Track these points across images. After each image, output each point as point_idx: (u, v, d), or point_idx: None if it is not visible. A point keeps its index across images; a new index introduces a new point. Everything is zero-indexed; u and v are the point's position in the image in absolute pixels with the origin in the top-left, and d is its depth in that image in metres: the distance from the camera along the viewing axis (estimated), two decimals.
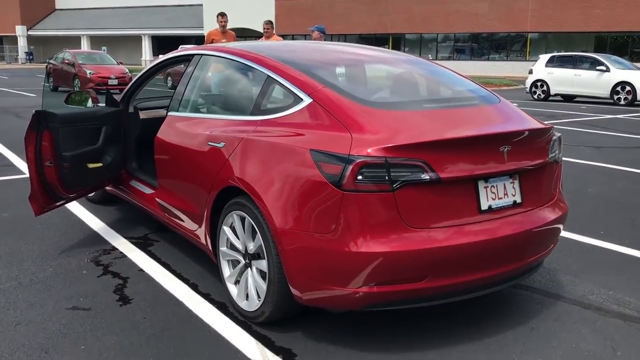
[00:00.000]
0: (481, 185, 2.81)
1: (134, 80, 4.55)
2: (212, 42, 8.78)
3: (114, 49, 47.43)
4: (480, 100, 3.33)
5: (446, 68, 3.88)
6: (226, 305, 3.33)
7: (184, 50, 4.17)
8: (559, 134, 3.33)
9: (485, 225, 2.80)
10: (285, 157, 2.86)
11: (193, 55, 3.94)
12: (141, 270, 3.84)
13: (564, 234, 4.62)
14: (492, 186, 2.85)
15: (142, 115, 4.70)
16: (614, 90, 17.26)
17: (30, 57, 57.91)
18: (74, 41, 53.67)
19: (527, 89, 19.35)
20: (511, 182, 2.94)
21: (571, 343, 2.98)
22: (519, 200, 2.96)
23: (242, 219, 3.10)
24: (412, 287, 2.70)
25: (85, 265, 3.91)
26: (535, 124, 3.16)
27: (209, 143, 3.37)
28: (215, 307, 3.33)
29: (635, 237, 4.66)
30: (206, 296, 3.46)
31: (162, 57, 4.34)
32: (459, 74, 3.78)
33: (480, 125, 3.00)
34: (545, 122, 3.29)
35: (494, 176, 2.85)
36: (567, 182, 6.58)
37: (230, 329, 3.07)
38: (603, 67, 17.48)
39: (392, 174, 2.59)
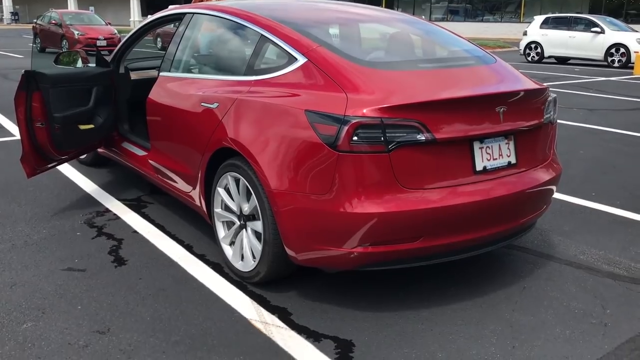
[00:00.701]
0: (476, 146, 2.81)
1: (123, 40, 4.47)
2: (201, 1, 8.60)
3: (102, 9, 46.48)
4: (476, 61, 3.29)
5: (442, 28, 3.83)
6: (221, 266, 3.35)
7: (174, 9, 4.08)
8: (554, 95, 3.32)
9: (479, 186, 2.80)
10: (279, 118, 2.84)
11: (184, 14, 3.87)
12: (135, 231, 3.84)
13: (556, 195, 4.66)
14: (487, 147, 2.85)
15: (133, 75, 4.64)
16: (608, 52, 17.18)
17: (16, 18, 56.71)
18: (61, 1, 52.51)
19: (521, 51, 19.21)
20: (506, 143, 2.93)
21: (562, 302, 3.03)
22: (513, 161, 2.97)
23: (237, 181, 3.09)
24: (406, 247, 2.71)
25: (79, 227, 3.91)
26: (531, 84, 3.14)
27: (202, 104, 3.33)
28: (211, 267, 3.34)
29: (626, 198, 4.71)
30: (201, 257, 3.48)
31: (152, 17, 4.25)
32: (455, 34, 3.74)
33: (476, 86, 2.98)
34: (541, 83, 3.27)
35: (489, 137, 2.84)
36: (559, 144, 6.57)
37: (226, 289, 3.09)
38: (598, 29, 17.35)
39: (387, 134, 2.57)
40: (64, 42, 18.71)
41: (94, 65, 4.52)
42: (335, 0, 4.59)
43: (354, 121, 2.56)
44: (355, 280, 3.19)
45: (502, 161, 2.91)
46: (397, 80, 2.83)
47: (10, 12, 57.16)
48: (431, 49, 3.64)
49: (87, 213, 4.17)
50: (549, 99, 3.19)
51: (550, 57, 18.61)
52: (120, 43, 4.50)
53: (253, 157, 2.88)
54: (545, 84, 3.25)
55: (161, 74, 3.88)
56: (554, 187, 3.27)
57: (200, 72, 3.80)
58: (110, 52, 4.76)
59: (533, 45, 18.75)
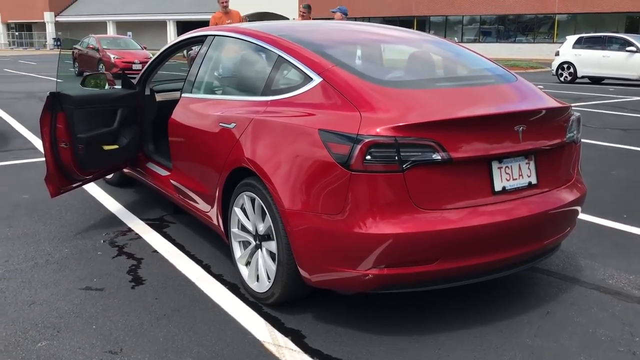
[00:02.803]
0: (495, 165, 2.74)
1: (149, 62, 4.54)
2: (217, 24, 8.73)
3: (139, 34, 47.73)
4: (496, 79, 3.24)
5: (464, 47, 3.79)
6: (238, 287, 3.33)
7: (196, 31, 4.14)
8: (578, 114, 3.23)
9: (498, 207, 2.73)
10: (294, 138, 2.82)
11: (206, 36, 3.91)
12: (155, 251, 3.85)
13: (584, 216, 4.53)
14: (507, 167, 2.78)
15: (159, 97, 4.71)
16: None
17: (58, 43, 58.57)
18: (101, 27, 54.19)
19: (554, 71, 18.94)
20: (526, 163, 2.86)
21: (588, 328, 2.91)
22: (534, 181, 2.88)
23: (252, 200, 3.08)
24: (422, 269, 2.65)
25: (100, 246, 3.94)
26: (552, 102, 3.07)
27: (220, 124, 3.34)
28: (227, 288, 3.32)
29: None
30: (218, 277, 3.46)
31: (175, 40, 4.32)
32: (477, 53, 3.69)
33: (494, 104, 2.92)
34: (564, 102, 3.19)
35: (508, 156, 2.77)
36: (590, 164, 6.47)
37: (240, 310, 3.06)
38: (633, 48, 17.00)
39: (401, 153, 2.53)
40: (101, 65, 19.20)
41: (120, 87, 4.60)
42: (359, 22, 4.59)
43: (367, 140, 2.53)
44: (372, 303, 3.12)
45: (522, 181, 2.83)
46: (413, 99, 2.80)
47: (53, 38, 59.13)
48: (451, 67, 3.59)
49: (110, 232, 4.21)
50: (572, 117, 3.10)
51: (583, 77, 18.30)
52: (146, 66, 4.57)
53: (267, 176, 2.87)
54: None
55: (183, 95, 3.93)
56: (578, 208, 3.17)
57: (219, 92, 3.83)
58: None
59: (566, 66, 18.47)
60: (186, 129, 3.76)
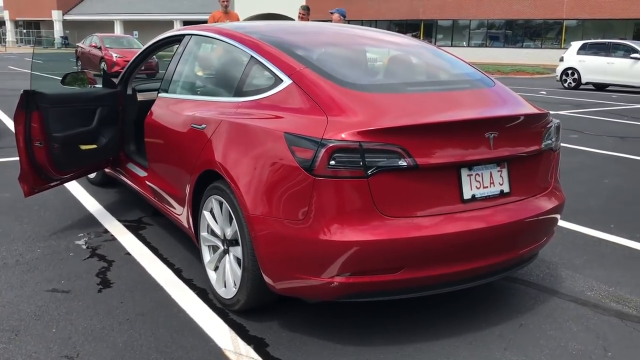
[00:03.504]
0: (464, 173, 2.66)
1: (130, 62, 4.48)
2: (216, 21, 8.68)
3: (146, 34, 47.77)
4: (472, 84, 3.16)
5: (446, 52, 3.71)
6: (206, 292, 3.26)
7: (175, 31, 4.08)
8: (558, 121, 3.15)
9: (467, 215, 2.65)
10: (260, 141, 2.75)
11: (184, 35, 3.85)
12: (128, 253, 3.79)
13: (570, 226, 4.45)
14: (477, 174, 2.70)
15: (140, 97, 4.65)
16: None
17: (66, 42, 58.78)
18: (108, 26, 54.35)
19: (558, 77, 18.81)
20: (498, 171, 2.77)
21: (560, 341, 2.82)
22: (506, 189, 2.80)
23: (220, 204, 3.01)
24: (388, 278, 2.57)
25: (73, 247, 3.88)
26: (528, 109, 2.98)
27: (192, 125, 3.28)
28: (196, 293, 3.26)
29: None
30: (188, 282, 3.39)
31: (155, 39, 4.26)
32: (458, 57, 3.61)
33: (467, 110, 2.84)
34: (542, 108, 3.11)
35: (478, 164, 2.69)
36: (584, 172, 6.38)
37: (205, 316, 2.99)
38: (638, 55, 16.85)
39: (366, 159, 2.46)
40: (103, 64, 19.22)
41: (101, 86, 4.54)
42: (344, 25, 4.51)
43: (331, 144, 2.46)
44: (341, 311, 3.05)
45: (493, 189, 2.75)
46: (383, 104, 2.72)
47: (61, 37, 59.33)
48: (428, 72, 3.51)
49: (85, 233, 4.15)
50: (550, 125, 3.02)
51: (587, 83, 18.15)
52: (127, 65, 4.51)
53: (233, 179, 2.80)
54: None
55: (159, 94, 3.87)
56: (556, 217, 3.08)
57: (193, 93, 3.76)
58: (147, 74, 4.79)
59: (570, 72, 18.34)
60: (160, 130, 3.70)
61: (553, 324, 2.99)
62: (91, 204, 4.81)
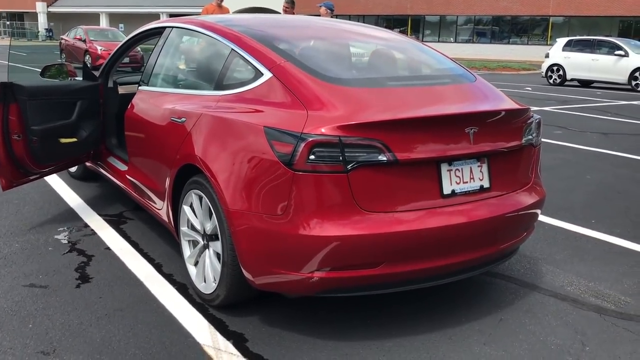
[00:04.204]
0: (444, 168, 2.65)
1: (111, 54, 4.43)
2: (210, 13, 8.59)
3: (132, 27, 47.24)
4: (453, 79, 3.15)
5: (428, 46, 3.70)
6: (187, 287, 3.23)
7: (156, 23, 4.03)
8: (539, 117, 3.15)
9: (447, 210, 2.65)
10: (240, 135, 2.73)
11: (164, 27, 3.81)
12: (108, 248, 3.75)
13: (551, 221, 4.47)
14: (457, 169, 2.69)
15: (121, 90, 4.59)
16: (632, 76, 16.80)
17: (50, 34, 58.10)
18: (93, 18, 53.79)
19: (543, 74, 18.92)
20: (478, 166, 2.77)
21: (539, 336, 2.83)
22: (486, 184, 2.80)
23: (200, 198, 2.99)
24: (367, 273, 2.56)
25: (52, 242, 3.84)
26: (509, 104, 2.99)
27: (172, 118, 3.25)
28: (176, 288, 3.23)
29: (627, 226, 4.48)
30: (168, 277, 3.37)
31: (136, 31, 4.21)
32: (440, 53, 3.61)
33: (447, 105, 2.84)
34: (523, 104, 3.11)
35: (458, 159, 2.69)
36: (566, 168, 6.42)
37: (185, 312, 2.97)
38: (622, 52, 17.00)
39: (346, 154, 2.44)
40: (87, 57, 19.02)
41: (81, 78, 4.48)
42: (329, 19, 4.48)
43: (310, 139, 2.44)
44: (321, 306, 3.04)
45: (473, 185, 2.75)
46: (363, 98, 2.71)
47: (45, 29, 58.63)
48: (410, 66, 3.50)
49: (65, 228, 4.10)
50: (531, 120, 3.02)
51: (572, 80, 18.28)
52: (108, 58, 4.46)
53: (213, 173, 2.78)
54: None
55: (140, 87, 3.83)
56: (536, 212, 3.09)
57: (172, 86, 3.73)
58: (133, 68, 4.73)
59: (555, 68, 18.46)
60: (141, 123, 3.66)
61: (532, 319, 3.00)
62: (72, 198, 4.75)
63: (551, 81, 18.58)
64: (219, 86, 3.10)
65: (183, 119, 3.13)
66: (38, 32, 59.46)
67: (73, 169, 5.16)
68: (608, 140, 8.33)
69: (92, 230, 4.07)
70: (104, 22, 54.23)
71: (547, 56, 18.94)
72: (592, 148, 7.66)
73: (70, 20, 56.77)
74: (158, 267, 3.49)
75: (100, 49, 18.92)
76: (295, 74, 2.79)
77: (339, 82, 2.80)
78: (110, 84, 4.53)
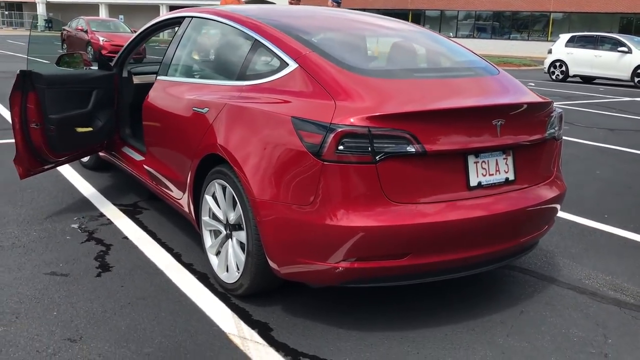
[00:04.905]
0: (471, 160, 2.66)
1: (126, 44, 4.42)
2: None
3: (132, 18, 47.22)
4: (477, 72, 3.16)
5: (448, 39, 3.70)
6: (207, 277, 3.24)
7: (175, 12, 4.02)
8: (561, 110, 3.16)
9: (473, 203, 2.66)
10: (267, 125, 2.73)
11: (184, 17, 3.80)
12: (126, 237, 3.76)
13: (566, 215, 4.49)
14: (483, 161, 2.70)
15: (136, 80, 4.59)
16: (635, 73, 16.79)
17: (49, 25, 57.77)
18: (93, 9, 53.57)
19: (546, 69, 18.91)
20: (504, 158, 2.78)
21: (561, 328, 2.85)
22: (511, 177, 2.81)
23: (224, 188, 2.99)
24: (393, 264, 2.57)
25: (70, 230, 3.84)
26: (533, 97, 2.99)
27: (194, 109, 3.25)
28: (196, 277, 3.24)
29: None
30: (188, 266, 3.37)
31: (153, 20, 4.20)
32: (461, 45, 3.61)
33: (473, 97, 2.84)
34: (545, 97, 3.12)
35: (485, 151, 2.70)
36: (575, 163, 6.43)
37: (208, 301, 2.98)
38: (625, 49, 17.00)
39: (375, 144, 2.45)
40: (89, 48, 18.94)
41: (96, 68, 4.48)
42: (344, 9, 4.48)
43: (339, 130, 2.44)
44: (343, 297, 3.05)
45: (499, 177, 2.76)
46: (390, 89, 2.71)
47: (44, 19, 58.31)
48: (431, 58, 3.50)
49: (81, 217, 4.10)
50: (553, 114, 3.03)
51: (575, 76, 18.29)
52: (123, 47, 4.45)
53: (238, 164, 2.78)
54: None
55: (158, 77, 3.82)
56: (557, 206, 3.10)
57: (194, 76, 3.72)
58: (135, 59, 4.73)
59: (558, 64, 18.44)
60: (160, 113, 3.66)
61: (553, 312, 3.02)
62: (85, 188, 4.75)
63: (554, 77, 18.57)
64: (242, 76, 3.10)
65: (206, 109, 3.13)
66: (37, 22, 59.13)
67: (85, 159, 5.16)
68: (615, 136, 8.35)
69: (108, 219, 4.07)
70: (103, 13, 54.01)
71: (549, 52, 18.92)
72: (600, 144, 7.68)
73: (70, 11, 56.49)
74: (177, 257, 3.49)
75: (102, 40, 18.86)
76: (321, 64, 2.79)
77: (365, 73, 2.81)
78: (125, 74, 4.52)
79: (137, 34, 4.32)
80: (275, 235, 2.66)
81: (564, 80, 18.28)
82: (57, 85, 3.90)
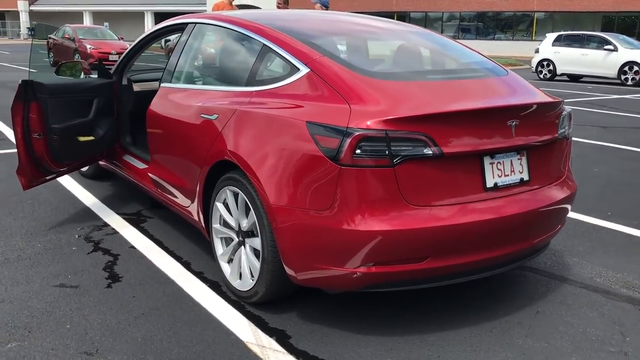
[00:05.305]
0: (487, 161, 2.66)
1: (127, 51, 4.37)
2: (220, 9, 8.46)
3: (117, 25, 46.99)
4: (486, 72, 3.16)
5: (453, 40, 3.70)
6: (219, 285, 3.21)
7: (177, 19, 3.98)
8: (570, 109, 3.17)
9: (490, 204, 2.65)
10: (280, 130, 2.71)
11: (187, 23, 3.77)
12: (132, 247, 3.71)
13: (570, 214, 4.48)
14: (499, 162, 2.70)
15: (136, 87, 4.54)
16: (621, 70, 16.97)
17: (32, 33, 57.27)
18: (77, 17, 53.24)
19: (533, 69, 19.05)
20: (518, 159, 2.78)
21: (578, 327, 2.85)
22: (526, 177, 2.81)
23: (236, 195, 2.96)
24: (412, 267, 2.56)
25: (75, 241, 3.79)
26: (544, 97, 3.00)
27: (202, 115, 3.22)
28: (208, 286, 3.20)
29: None
30: (199, 275, 3.34)
31: (155, 27, 4.16)
32: (466, 46, 3.61)
33: (487, 98, 2.84)
34: (555, 97, 3.12)
35: (500, 152, 2.69)
36: (573, 161, 6.41)
37: (222, 309, 2.95)
38: (611, 47, 17.18)
39: (392, 148, 2.43)
40: (77, 56, 18.78)
41: (96, 76, 4.43)
42: (344, 12, 4.47)
43: (357, 133, 2.43)
44: (359, 301, 3.03)
45: (514, 178, 2.76)
46: (403, 92, 2.70)
47: (27, 28, 57.87)
48: (440, 60, 3.50)
49: (85, 227, 4.05)
50: (564, 113, 3.04)
51: (562, 74, 18.44)
52: (123, 54, 4.40)
53: (252, 170, 2.75)
54: (559, 98, 3.10)
55: (162, 84, 3.78)
56: (568, 206, 3.11)
57: (200, 82, 3.69)
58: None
59: (545, 63, 18.59)
60: (165, 120, 3.62)
61: (568, 311, 3.02)
62: (86, 197, 4.69)
63: (541, 76, 18.71)
64: (251, 82, 3.07)
65: (215, 116, 3.10)
66: (19, 31, 58.64)
67: (85, 168, 5.10)
68: (608, 134, 8.41)
69: (113, 229, 4.02)
70: (87, 21, 53.71)
71: (537, 51, 19.07)
72: (594, 141, 7.73)
73: (53, 19, 56.15)
74: (187, 265, 3.45)
75: (90, 48, 18.71)
76: (333, 68, 2.77)
77: (377, 76, 2.80)
78: (125, 82, 4.47)
79: (138, 40, 4.28)
80: (292, 241, 2.63)
81: (551, 79, 18.43)
82: (58, 95, 3.85)
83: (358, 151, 2.43)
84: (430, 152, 2.47)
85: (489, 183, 2.66)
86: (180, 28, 3.86)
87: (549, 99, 2.98)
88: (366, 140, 2.43)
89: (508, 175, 2.74)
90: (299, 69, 2.84)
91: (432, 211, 2.52)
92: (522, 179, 2.79)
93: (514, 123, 2.68)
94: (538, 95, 3.00)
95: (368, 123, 2.45)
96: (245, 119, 2.91)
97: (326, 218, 2.51)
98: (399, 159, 2.44)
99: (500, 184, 2.70)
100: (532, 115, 2.83)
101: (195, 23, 3.70)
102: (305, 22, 3.55)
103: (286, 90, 2.85)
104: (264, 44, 3.10)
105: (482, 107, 2.67)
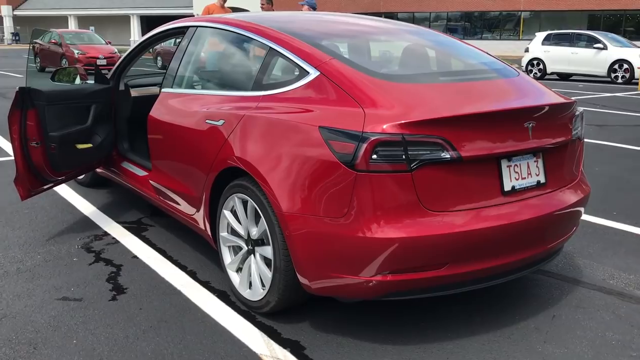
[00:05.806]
0: (504, 164, 2.60)
1: (123, 56, 4.28)
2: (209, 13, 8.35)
3: (102, 29, 46.64)
4: (498, 74, 3.10)
5: (461, 40, 3.65)
6: (227, 294, 3.12)
7: (177, 22, 3.89)
8: (582, 109, 3.13)
9: (509, 208, 2.59)
10: (291, 135, 2.63)
11: (188, 27, 3.68)
12: (135, 257, 3.62)
13: None
14: (516, 165, 2.64)
15: (134, 93, 4.45)
16: (611, 69, 17.05)
17: (17, 38, 56.79)
18: (61, 21, 52.80)
19: (523, 68, 19.08)
20: (535, 161, 2.73)
21: (597, 332, 2.80)
22: (543, 180, 2.76)
23: (244, 202, 2.88)
24: (430, 275, 2.49)
25: (75, 252, 3.68)
26: (558, 98, 2.95)
27: (207, 121, 3.13)
28: (216, 295, 3.12)
29: None
30: (206, 284, 3.25)
31: (153, 31, 4.07)
32: (474, 46, 3.56)
33: (502, 100, 2.78)
34: (568, 97, 3.08)
35: (517, 154, 2.64)
36: None
37: (232, 320, 2.87)
38: (600, 45, 17.26)
39: (409, 152, 2.37)
40: (64, 61, 18.58)
41: (93, 82, 4.33)
42: (344, 13, 4.40)
43: (373, 138, 2.36)
44: (373, 309, 2.96)
45: (531, 180, 2.70)
46: (417, 94, 2.63)
47: (11, 33, 57.30)
48: (450, 62, 3.44)
49: (85, 237, 3.94)
50: (577, 113, 2.99)
51: (552, 73, 18.50)
52: (120, 59, 4.31)
53: (262, 177, 2.67)
54: (572, 99, 3.05)
55: (163, 90, 3.69)
56: (582, 209, 3.05)
57: (204, 87, 3.61)
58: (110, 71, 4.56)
59: (535, 62, 18.64)
60: (168, 127, 3.53)
61: (585, 314, 2.97)
62: (84, 206, 4.59)
63: (532, 75, 18.69)
64: (258, 87, 3.00)
65: (221, 121, 3.02)
66: (3, 36, 58.04)
67: (81, 176, 4.98)
68: (604, 132, 8.42)
69: (114, 238, 3.92)
70: (72, 25, 53.25)
71: (526, 50, 19.12)
72: (591, 140, 7.72)
73: (38, 24, 55.62)
74: (192, 275, 3.37)
75: (78, 53, 18.51)
76: (343, 71, 2.70)
77: (389, 78, 2.74)
78: (122, 87, 4.38)
79: (135, 45, 4.19)
80: (306, 249, 2.56)
81: (542, 78, 18.47)
82: (56, 102, 3.74)
83: (374, 156, 2.36)
84: (449, 156, 2.41)
85: (507, 187, 2.61)
86: (180, 32, 3.77)
87: (564, 100, 2.94)
88: (383, 145, 2.36)
89: (525, 178, 2.68)
90: (308, 72, 2.77)
91: (450, 217, 2.46)
92: (538, 182, 2.74)
93: (530, 125, 2.62)
94: (552, 96, 2.95)
95: (384, 127, 2.38)
96: (254, 124, 2.83)
97: (341, 225, 2.44)
98: (416, 164, 2.38)
99: (517, 187, 2.64)
100: (548, 116, 2.77)
101: (197, 26, 3.62)
102: (309, 24, 3.47)
103: (295, 94, 2.78)
104: (270, 47, 3.02)
105: (499, 109, 2.61)
